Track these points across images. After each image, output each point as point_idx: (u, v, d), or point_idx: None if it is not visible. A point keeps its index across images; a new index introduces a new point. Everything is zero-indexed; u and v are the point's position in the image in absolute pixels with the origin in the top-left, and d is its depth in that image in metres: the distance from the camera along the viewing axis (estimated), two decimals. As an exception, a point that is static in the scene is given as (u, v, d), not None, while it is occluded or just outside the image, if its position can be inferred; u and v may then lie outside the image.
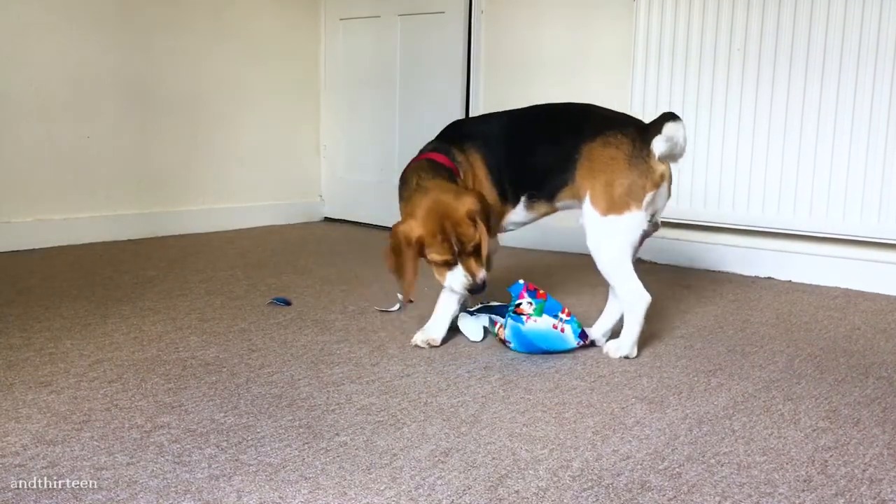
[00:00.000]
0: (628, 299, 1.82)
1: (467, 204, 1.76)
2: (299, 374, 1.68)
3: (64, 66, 3.07)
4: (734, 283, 2.72)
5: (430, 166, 1.86)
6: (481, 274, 1.79)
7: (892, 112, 2.50)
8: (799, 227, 2.69)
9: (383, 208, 3.85)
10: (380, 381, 1.65)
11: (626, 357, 1.83)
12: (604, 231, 1.78)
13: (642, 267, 2.98)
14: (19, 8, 2.94)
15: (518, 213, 1.94)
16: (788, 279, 2.78)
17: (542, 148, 1.87)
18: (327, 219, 4.12)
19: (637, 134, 1.78)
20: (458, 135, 1.96)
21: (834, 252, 2.71)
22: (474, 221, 1.75)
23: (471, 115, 3.51)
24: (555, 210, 1.93)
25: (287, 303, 2.28)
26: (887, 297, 2.55)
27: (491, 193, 1.89)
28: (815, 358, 1.89)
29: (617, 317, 1.92)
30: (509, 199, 1.91)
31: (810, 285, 2.71)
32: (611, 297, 1.94)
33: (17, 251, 2.95)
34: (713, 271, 2.90)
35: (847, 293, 2.61)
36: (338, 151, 4.03)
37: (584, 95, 3.17)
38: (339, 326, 2.07)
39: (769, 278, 2.81)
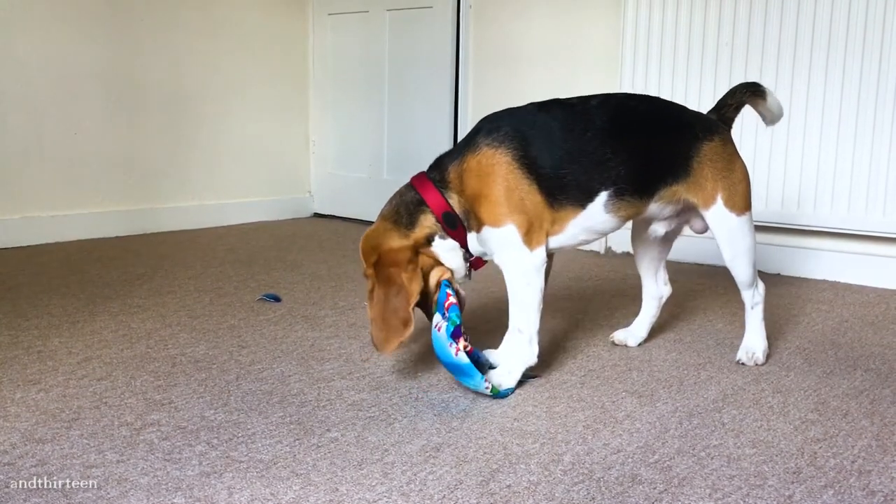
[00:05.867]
0: (762, 292, 1.87)
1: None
2: (289, 371, 1.68)
3: (51, 61, 3.05)
4: (722, 276, 2.73)
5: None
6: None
7: (878, 105, 2.51)
8: (787, 221, 2.71)
9: (373, 204, 3.84)
10: (370, 377, 1.65)
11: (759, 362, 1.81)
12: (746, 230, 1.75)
13: (626, 260, 2.99)
14: (4, 3, 2.92)
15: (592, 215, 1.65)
16: (777, 272, 2.79)
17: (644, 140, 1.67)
18: (317, 214, 4.11)
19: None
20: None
21: (822, 245, 2.72)
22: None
23: (459, 110, 3.51)
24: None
25: (277, 299, 2.27)
26: (875, 290, 2.57)
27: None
28: (803, 350, 1.90)
29: (652, 321, 1.94)
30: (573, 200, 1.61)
31: (798, 278, 2.73)
32: (646, 299, 1.93)
33: (5, 248, 2.93)
34: (702, 265, 2.91)
35: (835, 286, 2.62)
36: (327, 147, 4.02)
37: (573, 88, 3.18)
38: (329, 322, 2.06)
39: (757, 271, 2.82)
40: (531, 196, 1.56)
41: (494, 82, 3.41)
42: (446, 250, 1.60)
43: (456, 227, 1.58)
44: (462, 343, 1.50)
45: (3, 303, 2.17)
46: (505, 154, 1.55)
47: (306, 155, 4.07)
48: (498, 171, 1.54)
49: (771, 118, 1.87)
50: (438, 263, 1.61)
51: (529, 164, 1.55)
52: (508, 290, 1.59)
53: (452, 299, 1.54)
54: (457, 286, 1.63)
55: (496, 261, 1.61)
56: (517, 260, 1.57)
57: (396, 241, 1.57)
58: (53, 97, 3.08)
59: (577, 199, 1.61)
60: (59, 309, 2.12)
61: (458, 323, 1.51)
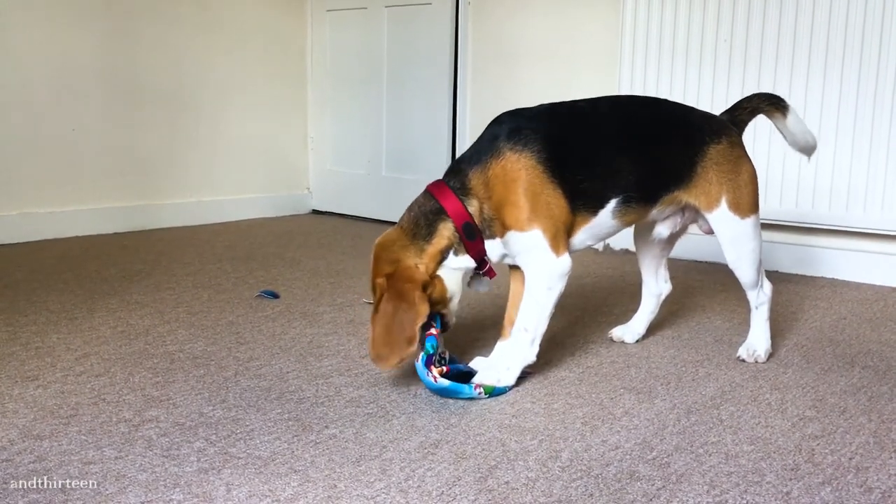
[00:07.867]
0: (768, 292, 1.82)
1: None
2: (288, 367, 1.68)
3: (48, 57, 3.04)
4: (721, 273, 2.73)
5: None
6: None
7: (877, 103, 2.51)
8: (785, 218, 2.71)
9: (371, 201, 3.84)
10: (369, 374, 1.65)
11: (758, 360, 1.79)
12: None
13: (625, 257, 2.99)
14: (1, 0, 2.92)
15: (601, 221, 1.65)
16: (775, 269, 2.80)
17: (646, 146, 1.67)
18: (315, 211, 4.10)
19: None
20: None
21: (820, 242, 2.73)
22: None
23: (458, 106, 3.51)
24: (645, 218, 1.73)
25: (275, 296, 2.27)
26: (872, 287, 2.57)
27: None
28: (801, 347, 1.90)
29: (650, 317, 1.94)
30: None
31: (796, 275, 2.73)
32: (645, 295, 1.93)
33: (2, 245, 2.93)
34: (700, 262, 2.91)
35: (833, 283, 2.62)
36: (325, 143, 4.01)
37: (572, 85, 3.18)
38: (327, 319, 2.06)
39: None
40: (556, 200, 1.54)
41: (493, 79, 3.41)
42: (453, 269, 1.57)
43: (474, 238, 1.55)
44: (436, 370, 1.51)
45: (1, 299, 2.17)
46: (529, 158, 1.52)
47: (305, 151, 4.07)
48: (523, 176, 1.51)
49: (793, 140, 1.82)
50: (444, 297, 1.57)
51: (553, 168, 1.53)
52: (527, 290, 1.58)
53: (433, 331, 1.55)
54: (450, 315, 1.62)
55: (519, 262, 1.59)
56: (543, 264, 1.55)
57: (414, 259, 1.53)
58: (51, 93, 3.07)
59: (591, 206, 1.60)
60: (58, 305, 2.12)
61: (430, 353, 1.52)
